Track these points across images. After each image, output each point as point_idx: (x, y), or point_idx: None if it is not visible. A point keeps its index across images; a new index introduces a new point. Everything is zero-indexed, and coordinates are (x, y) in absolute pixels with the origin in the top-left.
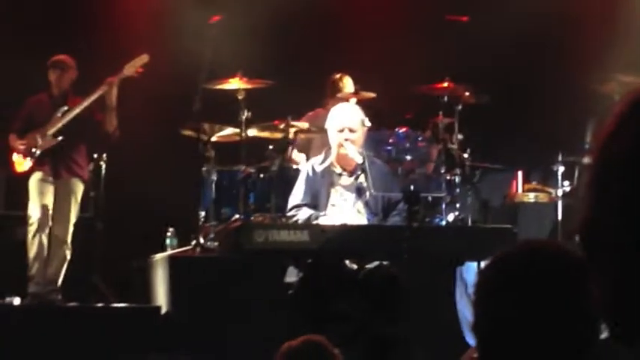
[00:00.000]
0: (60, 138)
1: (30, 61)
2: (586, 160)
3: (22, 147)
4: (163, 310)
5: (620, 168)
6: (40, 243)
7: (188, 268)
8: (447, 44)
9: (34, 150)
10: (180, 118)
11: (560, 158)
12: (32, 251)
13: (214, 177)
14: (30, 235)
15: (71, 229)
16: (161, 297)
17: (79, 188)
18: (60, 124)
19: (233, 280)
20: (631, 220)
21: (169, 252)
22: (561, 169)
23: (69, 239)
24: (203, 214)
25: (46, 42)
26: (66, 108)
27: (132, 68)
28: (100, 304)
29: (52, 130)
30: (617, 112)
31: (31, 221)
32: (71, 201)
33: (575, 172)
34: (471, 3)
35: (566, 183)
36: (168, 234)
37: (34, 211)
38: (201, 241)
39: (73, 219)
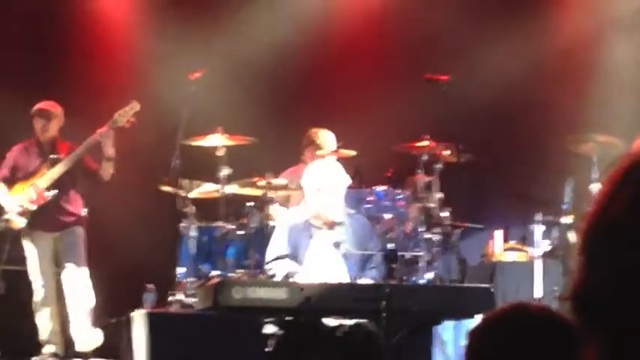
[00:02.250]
0: (54, 192)
1: (12, 109)
2: (564, 220)
3: (16, 205)
4: None
5: (612, 234)
6: (53, 305)
7: (166, 325)
8: (426, 103)
9: (29, 207)
10: (159, 174)
11: (538, 218)
12: (40, 315)
13: (193, 233)
14: (40, 299)
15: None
16: (140, 353)
17: (82, 234)
18: (53, 178)
19: (211, 336)
20: (623, 287)
21: (148, 308)
22: (540, 228)
23: (87, 289)
24: (182, 270)
25: (25, 91)
26: (55, 157)
27: (123, 118)
28: None
29: (45, 184)
30: (610, 178)
31: (40, 285)
32: (77, 250)
33: (553, 231)
34: (451, 62)
35: (545, 242)
36: (147, 290)
37: (40, 275)
38: (180, 297)
39: (85, 268)
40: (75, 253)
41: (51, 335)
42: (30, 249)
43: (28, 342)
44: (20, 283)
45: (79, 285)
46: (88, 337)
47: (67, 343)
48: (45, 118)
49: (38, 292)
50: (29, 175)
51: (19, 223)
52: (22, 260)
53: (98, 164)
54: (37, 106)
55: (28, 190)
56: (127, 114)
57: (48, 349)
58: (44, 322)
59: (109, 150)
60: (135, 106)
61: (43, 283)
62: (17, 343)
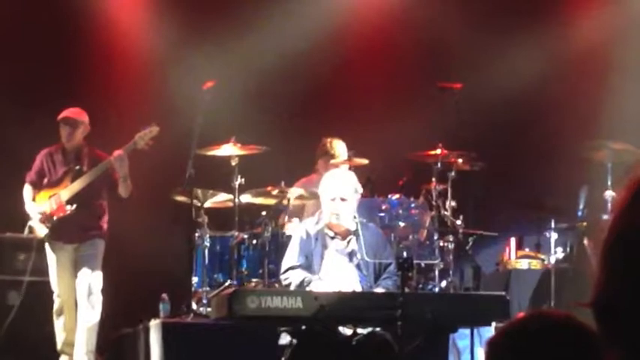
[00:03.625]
0: (73, 207)
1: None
2: (578, 227)
3: (39, 214)
4: None
5: (631, 244)
6: (69, 316)
7: (181, 335)
8: (439, 111)
9: (52, 217)
10: (173, 184)
11: (552, 225)
12: (59, 325)
13: (207, 243)
14: (56, 308)
15: (97, 292)
16: None
17: (102, 247)
18: (74, 191)
19: (226, 346)
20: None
21: (162, 318)
22: (554, 235)
23: (97, 305)
24: (196, 279)
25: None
26: (78, 168)
27: (142, 141)
28: None
29: (66, 197)
30: (627, 187)
31: (56, 295)
32: (94, 262)
33: (567, 238)
34: (464, 70)
35: (559, 250)
36: (162, 299)
37: (57, 285)
38: (194, 307)
39: (98, 282)
40: (90, 265)
41: (64, 346)
42: (51, 258)
43: (50, 351)
44: (44, 293)
45: (87, 298)
46: (84, 351)
47: None
48: (70, 126)
49: (55, 302)
50: (53, 184)
51: (41, 231)
52: (46, 270)
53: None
54: (64, 113)
55: (50, 200)
56: (146, 137)
57: (62, 359)
58: (59, 332)
59: (123, 170)
60: (154, 130)
61: (59, 293)
62: (39, 353)
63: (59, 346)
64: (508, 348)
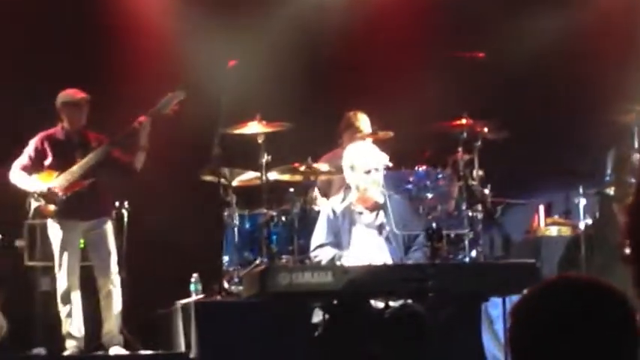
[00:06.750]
0: (88, 180)
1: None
2: (607, 191)
3: (46, 191)
4: (191, 356)
5: None
6: (74, 297)
7: (213, 313)
8: (463, 81)
9: (60, 194)
10: (200, 164)
11: (581, 191)
12: (65, 308)
13: (236, 221)
14: (63, 291)
15: (114, 269)
16: (186, 343)
17: (111, 228)
18: (86, 166)
19: (258, 323)
20: None
21: (194, 297)
22: (583, 201)
23: (117, 283)
24: (226, 258)
25: (59, 77)
26: (87, 145)
27: (167, 106)
28: (126, 353)
29: (78, 172)
30: None
31: (63, 277)
32: (106, 244)
33: (596, 203)
34: (488, 37)
35: (588, 215)
36: (193, 280)
37: (65, 266)
38: (226, 285)
39: (115, 260)
40: (108, 244)
41: (73, 329)
42: (57, 238)
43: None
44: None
45: (109, 283)
46: (114, 338)
47: (90, 336)
48: (84, 107)
49: (62, 285)
50: (59, 164)
51: (50, 208)
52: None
53: (128, 155)
54: (66, 94)
55: (58, 177)
56: (171, 102)
57: (69, 343)
58: (65, 317)
59: (144, 140)
60: (180, 94)
61: (66, 276)
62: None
63: (65, 330)
64: (532, 314)
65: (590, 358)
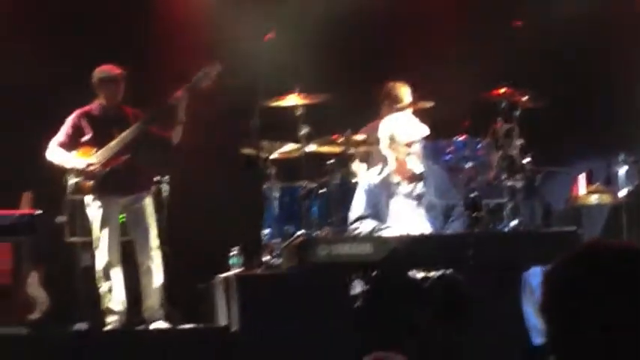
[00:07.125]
0: (127, 156)
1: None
2: None
3: (85, 168)
4: (232, 329)
5: None
6: (115, 273)
7: (254, 287)
8: (503, 49)
9: (99, 170)
10: (239, 137)
11: (622, 158)
12: (106, 284)
13: (276, 194)
14: (103, 267)
15: (154, 244)
16: (228, 316)
17: (151, 203)
18: (123, 142)
19: (299, 296)
20: None
21: (234, 271)
22: (624, 169)
23: (156, 258)
24: (266, 231)
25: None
26: (123, 122)
27: (204, 80)
28: (167, 326)
29: (115, 149)
30: None
31: (104, 254)
32: (147, 220)
33: (637, 171)
34: (528, 7)
35: (629, 182)
36: (233, 253)
37: (106, 243)
38: (266, 258)
39: (155, 235)
40: (143, 223)
41: (113, 304)
42: (96, 215)
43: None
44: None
45: (148, 258)
46: (155, 312)
47: (132, 311)
48: (113, 82)
49: (102, 262)
50: (97, 141)
51: (89, 184)
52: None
53: (166, 130)
54: (103, 70)
55: (96, 154)
56: (207, 75)
57: (110, 318)
58: (104, 293)
59: (181, 114)
60: (217, 67)
61: (106, 252)
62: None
63: (105, 305)
64: (568, 280)
65: (628, 327)
